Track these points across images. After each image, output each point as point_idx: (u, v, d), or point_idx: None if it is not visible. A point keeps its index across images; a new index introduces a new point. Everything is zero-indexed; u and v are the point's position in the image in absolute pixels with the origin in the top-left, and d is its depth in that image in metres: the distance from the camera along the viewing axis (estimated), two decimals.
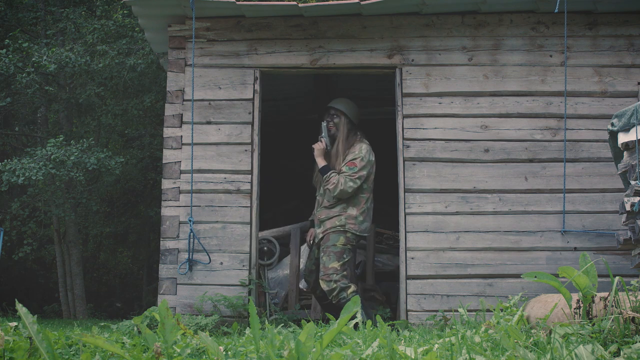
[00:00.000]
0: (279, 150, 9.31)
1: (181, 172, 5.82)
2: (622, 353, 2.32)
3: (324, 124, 5.79)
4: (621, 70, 5.81)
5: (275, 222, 8.24)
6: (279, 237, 7.18)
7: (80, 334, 2.62)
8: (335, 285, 5.43)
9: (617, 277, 2.71)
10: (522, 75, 5.83)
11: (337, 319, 3.20)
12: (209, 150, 5.84)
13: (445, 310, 5.41)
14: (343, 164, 5.65)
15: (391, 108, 6.62)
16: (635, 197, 4.19)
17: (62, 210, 9.72)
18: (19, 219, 10.62)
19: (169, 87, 5.95)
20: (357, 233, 5.61)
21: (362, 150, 5.67)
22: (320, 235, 5.66)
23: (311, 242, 5.91)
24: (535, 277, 3.00)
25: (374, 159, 5.73)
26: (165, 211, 5.79)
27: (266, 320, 4.27)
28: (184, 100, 5.90)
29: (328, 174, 5.63)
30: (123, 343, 2.97)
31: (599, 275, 3.41)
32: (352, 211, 5.60)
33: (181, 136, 5.86)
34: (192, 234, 5.64)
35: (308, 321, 4.00)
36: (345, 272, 5.54)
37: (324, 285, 5.47)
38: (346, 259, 5.56)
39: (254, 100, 5.90)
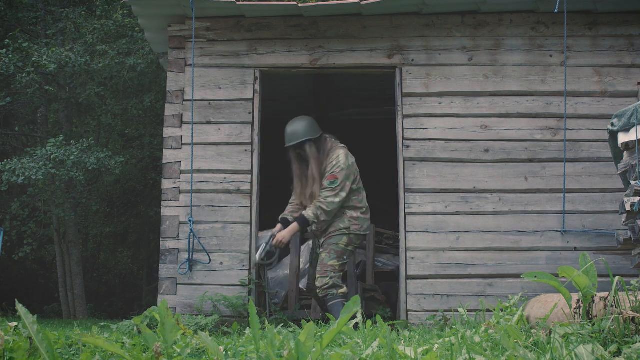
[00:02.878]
0: (279, 150, 9.30)
1: (181, 172, 5.82)
2: (622, 353, 2.32)
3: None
4: (621, 70, 5.81)
5: (275, 222, 8.22)
6: None
7: (80, 334, 2.62)
8: (329, 280, 5.35)
9: (617, 277, 2.71)
10: (522, 75, 5.83)
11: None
12: (209, 150, 5.84)
13: (445, 310, 5.40)
14: (325, 178, 5.45)
15: (391, 108, 6.62)
16: (635, 197, 4.19)
17: (62, 210, 9.72)
18: (19, 219, 10.62)
19: (169, 87, 5.95)
20: (362, 232, 5.54)
21: (339, 158, 5.46)
22: (322, 239, 5.54)
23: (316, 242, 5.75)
24: (535, 277, 3.00)
25: (353, 160, 5.53)
26: (165, 211, 5.80)
27: (266, 320, 4.27)
28: (184, 100, 5.90)
29: (307, 220, 5.46)
30: (123, 343, 2.97)
31: (599, 275, 3.41)
32: (353, 213, 5.51)
33: (181, 136, 5.86)
34: (192, 234, 5.64)
35: (308, 321, 4.01)
36: (341, 273, 5.49)
37: (318, 281, 5.40)
38: (345, 261, 5.54)
39: (254, 100, 5.90)
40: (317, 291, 5.45)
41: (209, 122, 5.87)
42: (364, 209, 5.57)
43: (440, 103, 5.82)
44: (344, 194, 5.42)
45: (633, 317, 2.53)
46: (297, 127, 5.61)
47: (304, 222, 5.49)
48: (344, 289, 5.40)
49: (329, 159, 5.52)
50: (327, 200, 5.40)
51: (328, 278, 5.38)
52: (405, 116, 5.82)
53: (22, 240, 10.86)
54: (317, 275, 5.45)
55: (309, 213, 5.45)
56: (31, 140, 11.91)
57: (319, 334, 3.39)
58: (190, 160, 5.78)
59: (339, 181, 5.42)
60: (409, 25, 5.93)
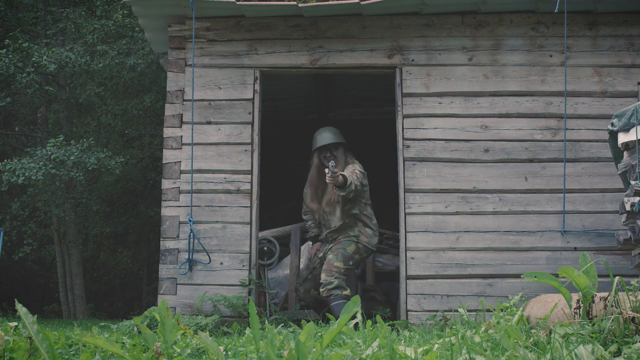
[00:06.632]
0: (279, 150, 9.31)
1: (181, 172, 5.82)
2: (622, 353, 2.32)
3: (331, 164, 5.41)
4: (621, 70, 5.81)
5: (275, 222, 8.24)
6: (279, 237, 7.17)
7: (80, 334, 2.62)
8: (334, 280, 5.56)
9: (617, 277, 2.71)
10: (522, 75, 5.83)
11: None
12: (209, 150, 5.84)
13: (445, 310, 5.41)
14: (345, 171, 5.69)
15: (391, 108, 6.62)
16: (635, 197, 4.18)
17: (62, 210, 9.72)
18: (19, 219, 10.61)
19: (169, 87, 5.95)
20: (369, 247, 5.78)
21: (359, 167, 5.80)
22: (331, 245, 5.82)
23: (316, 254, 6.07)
24: (535, 277, 3.00)
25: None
26: (165, 211, 5.79)
27: (266, 320, 4.28)
28: (184, 100, 5.90)
29: (348, 179, 5.47)
30: (123, 343, 2.97)
31: (599, 275, 3.41)
32: (363, 225, 5.76)
33: (181, 136, 5.86)
34: (192, 234, 5.64)
35: (308, 321, 4.01)
36: (345, 277, 5.68)
37: (323, 276, 5.61)
38: (350, 266, 5.74)
39: (254, 100, 5.90)
40: (321, 290, 5.62)
41: (209, 122, 5.88)
42: (374, 227, 5.83)
43: (440, 103, 5.82)
44: (365, 184, 5.70)
45: (633, 317, 2.53)
46: (331, 132, 5.95)
47: (345, 179, 5.43)
48: (348, 291, 5.60)
49: (347, 168, 5.75)
50: (359, 175, 5.62)
51: (333, 278, 5.58)
52: (405, 116, 5.82)
53: (22, 240, 10.85)
54: (323, 275, 5.63)
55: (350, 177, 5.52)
56: (31, 140, 11.91)
57: (319, 334, 3.39)
58: (190, 160, 5.78)
59: (363, 175, 5.72)
60: (409, 25, 5.93)
